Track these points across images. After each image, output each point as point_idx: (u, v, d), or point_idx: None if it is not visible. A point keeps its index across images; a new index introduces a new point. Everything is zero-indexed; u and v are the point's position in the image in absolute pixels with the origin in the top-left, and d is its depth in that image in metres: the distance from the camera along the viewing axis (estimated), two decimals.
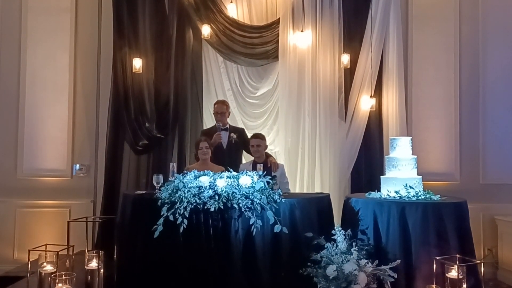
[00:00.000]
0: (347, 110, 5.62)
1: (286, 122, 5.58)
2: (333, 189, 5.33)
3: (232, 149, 5.03)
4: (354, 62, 5.60)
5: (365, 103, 5.55)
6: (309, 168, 5.53)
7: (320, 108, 5.57)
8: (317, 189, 5.42)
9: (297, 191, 5.34)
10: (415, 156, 4.18)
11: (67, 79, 5.75)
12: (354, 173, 5.60)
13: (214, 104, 5.20)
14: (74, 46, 5.80)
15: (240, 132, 5.18)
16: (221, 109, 5.07)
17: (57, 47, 5.75)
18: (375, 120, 5.62)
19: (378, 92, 5.62)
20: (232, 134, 5.02)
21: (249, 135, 5.09)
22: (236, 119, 5.67)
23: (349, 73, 5.64)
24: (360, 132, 5.58)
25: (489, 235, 5.56)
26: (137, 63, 5.50)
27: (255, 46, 5.66)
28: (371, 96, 5.54)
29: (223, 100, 5.33)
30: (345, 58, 5.56)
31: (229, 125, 5.17)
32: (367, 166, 5.58)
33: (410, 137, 4.30)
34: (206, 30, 5.53)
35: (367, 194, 4.24)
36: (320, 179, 5.50)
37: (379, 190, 4.20)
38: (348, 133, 5.60)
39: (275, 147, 5.69)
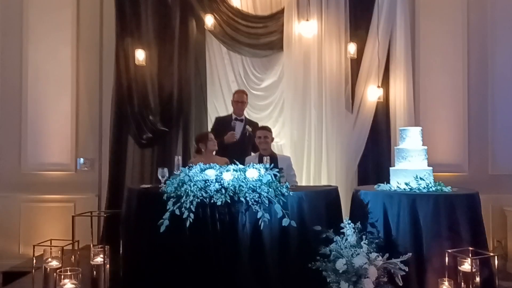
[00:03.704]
0: (354, 101, 5.55)
1: (292, 114, 5.51)
2: (340, 182, 5.25)
3: (244, 141, 5.01)
4: (360, 51, 5.51)
5: (372, 94, 5.47)
6: (316, 160, 5.47)
7: (326, 99, 5.49)
8: (323, 182, 5.36)
9: (304, 183, 5.28)
10: (426, 147, 4.07)
11: (70, 73, 5.70)
12: (361, 165, 5.53)
13: (234, 93, 5.23)
14: (76, 39, 5.74)
15: (255, 126, 5.12)
16: (242, 98, 5.10)
17: (59, 41, 5.69)
18: (382, 110, 5.55)
19: (385, 82, 5.54)
20: (247, 127, 5.01)
21: None
22: None
23: (356, 63, 5.55)
24: (367, 123, 5.51)
25: (498, 227, 5.50)
26: (140, 55, 5.42)
27: (260, 36, 5.58)
28: (378, 87, 5.45)
29: (243, 89, 5.34)
30: (352, 48, 5.44)
31: (245, 117, 5.15)
32: (374, 158, 5.52)
33: (420, 128, 4.20)
34: (209, 20, 5.44)
35: (376, 186, 4.16)
36: (327, 171, 5.44)
37: (386, 182, 4.11)
38: (355, 124, 5.53)
39: (281, 140, 5.62)
